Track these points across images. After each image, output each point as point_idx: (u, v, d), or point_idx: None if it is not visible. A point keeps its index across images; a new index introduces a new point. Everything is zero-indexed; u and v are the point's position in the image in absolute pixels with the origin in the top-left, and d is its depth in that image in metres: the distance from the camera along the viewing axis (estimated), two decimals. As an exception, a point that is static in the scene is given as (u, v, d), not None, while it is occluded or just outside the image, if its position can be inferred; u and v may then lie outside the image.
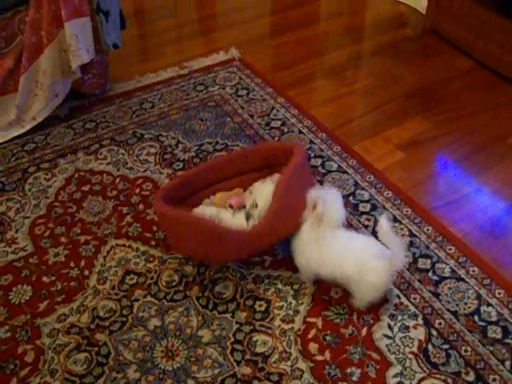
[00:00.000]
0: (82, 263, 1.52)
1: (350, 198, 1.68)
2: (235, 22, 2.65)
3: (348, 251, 1.34)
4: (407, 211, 1.63)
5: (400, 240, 1.35)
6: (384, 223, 1.30)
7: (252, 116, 2.02)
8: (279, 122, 1.98)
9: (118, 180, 1.77)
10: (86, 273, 1.50)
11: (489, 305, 1.39)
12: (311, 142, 1.89)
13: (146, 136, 1.94)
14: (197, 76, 2.24)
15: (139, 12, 2.80)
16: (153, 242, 1.57)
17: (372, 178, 1.74)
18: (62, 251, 1.56)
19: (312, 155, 1.84)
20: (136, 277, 1.48)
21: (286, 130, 1.95)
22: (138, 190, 1.73)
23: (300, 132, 1.94)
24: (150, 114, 2.05)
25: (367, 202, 1.67)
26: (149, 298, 1.43)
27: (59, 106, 1.98)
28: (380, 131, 1.95)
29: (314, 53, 2.41)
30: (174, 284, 1.46)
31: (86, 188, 1.75)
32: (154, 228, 1.61)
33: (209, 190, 1.60)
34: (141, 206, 1.68)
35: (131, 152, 1.88)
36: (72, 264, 1.52)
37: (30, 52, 1.84)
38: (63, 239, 1.59)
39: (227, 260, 1.49)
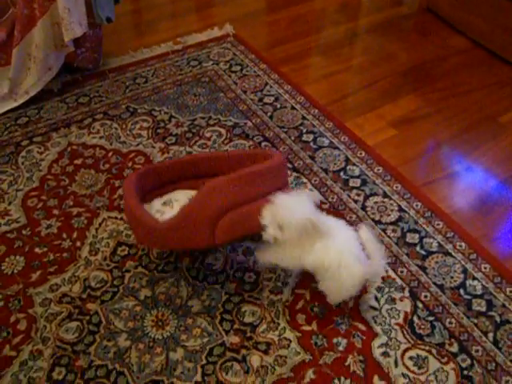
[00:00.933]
0: (74, 235, 1.54)
1: (341, 174, 1.69)
2: (230, -2, 2.64)
3: (332, 243, 1.25)
4: (397, 187, 1.65)
5: (381, 249, 1.30)
6: (364, 233, 1.28)
7: (245, 92, 2.02)
8: (272, 98, 1.99)
9: (110, 154, 1.78)
10: (78, 244, 1.52)
11: (474, 279, 1.42)
12: (303, 117, 1.90)
13: (139, 110, 1.95)
14: (191, 51, 2.24)
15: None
16: (144, 215, 1.58)
17: (363, 154, 1.76)
18: (54, 223, 1.57)
19: (304, 131, 1.85)
20: (127, 248, 1.50)
21: (278, 106, 1.96)
22: (130, 164, 1.74)
23: (292, 108, 1.94)
24: (143, 89, 2.05)
25: (357, 177, 1.68)
26: (140, 269, 1.45)
27: (52, 80, 1.98)
28: (373, 108, 1.96)
29: (309, 30, 2.41)
30: (164, 255, 1.48)
31: (78, 161, 1.76)
32: (146, 201, 1.62)
33: (177, 185, 1.55)
34: (133, 180, 1.69)
35: (124, 126, 1.88)
36: (64, 235, 1.54)
37: (22, 25, 1.83)
38: (56, 211, 1.61)
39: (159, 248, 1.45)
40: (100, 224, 1.56)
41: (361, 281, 1.27)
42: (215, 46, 2.27)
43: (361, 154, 1.76)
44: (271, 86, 2.04)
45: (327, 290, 1.32)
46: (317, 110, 1.92)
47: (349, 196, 1.62)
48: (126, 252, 1.49)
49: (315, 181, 1.67)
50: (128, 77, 2.11)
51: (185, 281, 1.42)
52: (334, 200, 1.61)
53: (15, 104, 1.94)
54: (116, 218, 1.58)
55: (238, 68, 2.14)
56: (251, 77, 2.09)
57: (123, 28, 2.36)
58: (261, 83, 2.06)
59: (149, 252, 1.49)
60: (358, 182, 1.67)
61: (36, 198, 1.64)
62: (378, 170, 1.70)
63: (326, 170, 1.70)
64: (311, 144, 1.79)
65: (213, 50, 2.24)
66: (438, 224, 1.54)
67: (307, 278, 1.41)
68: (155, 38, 2.32)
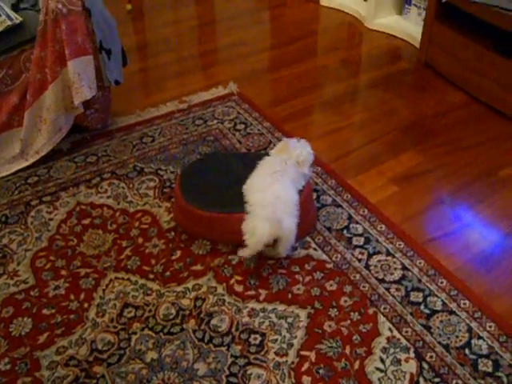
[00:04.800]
0: (82, 296, 1.56)
1: (344, 232, 1.72)
2: (234, 56, 2.73)
3: (268, 188, 1.53)
4: (400, 245, 1.67)
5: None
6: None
7: (249, 150, 2.07)
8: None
9: (117, 213, 1.82)
10: (86, 305, 1.53)
11: (479, 338, 1.42)
12: (307, 175, 1.94)
13: (145, 170, 2.00)
14: (196, 110, 2.31)
15: (142, 47, 2.89)
16: (151, 276, 1.61)
17: (366, 212, 1.79)
18: (62, 284, 1.60)
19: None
20: (134, 310, 1.52)
21: (282, 163, 2.00)
22: (137, 224, 1.78)
23: (296, 165, 1.99)
24: (150, 148, 2.10)
25: (360, 235, 1.71)
26: (146, 331, 1.46)
27: (62, 140, 2.04)
28: (374, 165, 2.00)
29: (311, 87, 2.48)
30: (171, 317, 1.49)
31: (86, 221, 1.80)
32: (153, 261, 1.65)
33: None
34: (140, 240, 1.72)
35: (131, 186, 1.93)
36: (72, 297, 1.56)
37: (34, 88, 1.91)
38: (64, 272, 1.63)
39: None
40: (107, 285, 1.59)
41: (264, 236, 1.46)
42: (220, 105, 2.34)
43: (363, 211, 1.79)
44: (275, 145, 2.08)
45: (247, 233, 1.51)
46: (320, 168, 1.96)
47: (352, 255, 1.64)
48: (132, 314, 1.51)
49: (319, 239, 1.69)
50: (135, 136, 2.17)
51: (191, 343, 1.43)
52: (338, 259, 1.63)
53: (26, 163, 2.00)
54: (123, 278, 1.60)
55: (242, 126, 2.20)
56: (255, 135, 2.15)
57: (131, 88, 2.45)
58: (264, 141, 2.12)
59: (155, 313, 1.50)
60: (361, 241, 1.69)
61: (44, 258, 1.67)
62: (381, 227, 1.73)
63: (329, 229, 1.73)
64: (314, 202, 1.82)
65: (217, 109, 2.32)
66: (442, 282, 1.56)
67: (312, 339, 1.42)
68: (162, 97, 2.40)
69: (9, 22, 1.81)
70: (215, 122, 2.24)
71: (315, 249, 1.67)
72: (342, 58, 2.71)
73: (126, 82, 2.27)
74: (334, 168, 1.98)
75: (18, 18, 1.85)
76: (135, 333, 1.46)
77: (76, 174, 2.00)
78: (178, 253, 1.67)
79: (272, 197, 1.48)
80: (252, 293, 1.55)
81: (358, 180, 1.93)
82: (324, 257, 1.64)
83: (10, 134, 1.97)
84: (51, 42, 1.84)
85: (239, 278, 1.59)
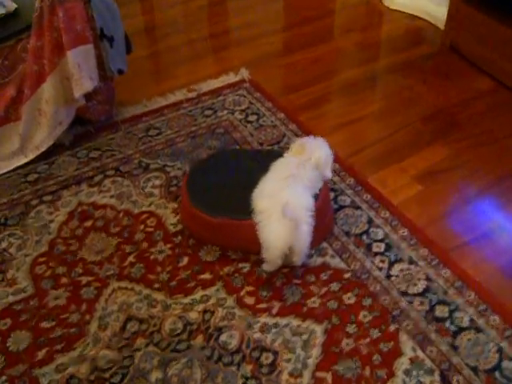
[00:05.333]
0: (83, 307, 1.47)
1: (364, 237, 1.60)
2: (246, 38, 2.57)
3: (280, 192, 1.41)
4: (424, 252, 1.55)
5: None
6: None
7: (262, 144, 1.94)
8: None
9: (121, 215, 1.71)
10: (87, 318, 1.44)
11: (511, 359, 1.30)
12: (323, 173, 1.81)
13: (151, 166, 1.88)
14: (205, 99, 2.18)
15: (150, 29, 2.74)
16: (156, 285, 1.51)
17: (387, 215, 1.66)
18: (62, 293, 1.50)
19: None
20: (138, 323, 1.42)
21: (296, 159, 1.87)
22: (142, 227, 1.67)
23: (311, 162, 1.86)
24: (156, 142, 1.98)
25: (381, 241, 1.59)
26: (151, 348, 1.37)
27: (64, 133, 1.93)
28: (395, 160, 1.87)
29: (327, 72, 2.33)
30: (177, 332, 1.40)
31: (88, 223, 1.70)
32: (158, 269, 1.55)
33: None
34: (144, 244, 1.61)
35: (136, 183, 1.82)
36: (73, 308, 1.47)
37: (32, 80, 1.78)
38: (64, 280, 1.54)
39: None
40: (110, 295, 1.49)
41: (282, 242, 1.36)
42: (230, 93, 2.20)
43: (384, 214, 1.66)
44: (289, 138, 1.96)
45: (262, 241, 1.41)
46: (337, 165, 1.83)
47: (372, 263, 1.53)
48: (136, 328, 1.41)
49: (336, 245, 1.58)
50: (141, 128, 2.05)
51: (198, 361, 1.33)
52: (357, 267, 1.51)
53: (26, 160, 1.90)
54: (126, 288, 1.51)
55: (255, 118, 2.07)
56: (268, 127, 2.02)
57: (137, 75, 2.31)
58: (278, 135, 1.98)
59: (160, 328, 1.41)
60: (381, 247, 1.57)
61: (44, 264, 1.58)
62: (403, 232, 1.60)
63: (347, 233, 1.61)
64: (332, 203, 1.70)
65: (228, 98, 2.18)
66: (470, 295, 1.44)
67: (328, 358, 1.32)
68: (169, 85, 2.26)
69: (2, 10, 1.68)
70: (225, 112, 2.11)
71: (332, 256, 1.55)
72: (360, 40, 2.55)
73: (133, 69, 2.14)
74: (352, 164, 1.85)
75: (12, 5, 1.72)
76: (139, 349, 1.36)
77: (78, 170, 1.89)
78: (186, 259, 1.57)
79: (281, 204, 1.36)
80: (264, 306, 1.44)
81: (378, 178, 1.80)
82: (342, 265, 1.52)
83: (7, 129, 1.86)
84: (48, 31, 1.71)
85: (250, 288, 1.48)
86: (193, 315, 1.43)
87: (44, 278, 1.54)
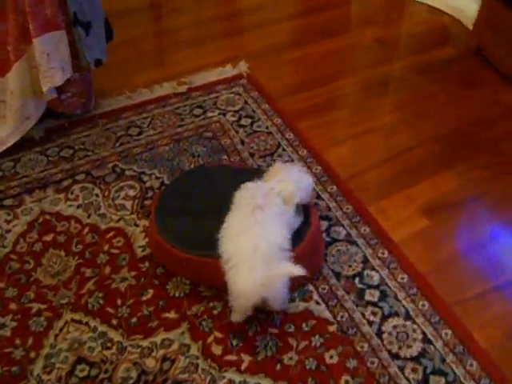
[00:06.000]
0: (30, 341, 1.29)
1: (356, 281, 1.39)
2: (253, 25, 2.33)
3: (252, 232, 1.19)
4: (423, 305, 1.34)
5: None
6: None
7: (252, 155, 1.72)
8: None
9: (86, 230, 1.52)
10: (32, 355, 1.26)
11: None
12: (319, 196, 1.59)
13: (126, 172, 1.68)
14: (196, 96, 1.95)
15: (156, 6, 2.49)
16: (114, 321, 1.32)
17: (385, 254, 1.45)
18: (9, 322, 1.33)
19: (318, 214, 1.54)
20: (88, 367, 1.24)
21: (290, 176, 1.66)
22: (107, 247, 1.48)
23: (306, 181, 1.64)
24: (135, 143, 1.77)
25: (376, 287, 1.38)
26: (99, 400, 1.19)
27: (34, 126, 1.73)
28: (402, 186, 1.64)
29: (336, 73, 2.08)
30: (130, 382, 1.22)
31: (48, 238, 1.51)
32: (118, 301, 1.36)
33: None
34: (107, 269, 1.42)
35: (107, 193, 1.61)
36: (18, 341, 1.29)
37: (-5, 69, 1.57)
38: (13, 306, 1.36)
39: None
40: (61, 329, 1.31)
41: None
42: (224, 90, 1.97)
43: (383, 253, 1.45)
44: (284, 149, 1.73)
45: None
46: (335, 187, 1.61)
47: (363, 315, 1.32)
48: (85, 373, 1.23)
49: (323, 289, 1.37)
50: (121, 125, 1.84)
51: (150, 422, 1.16)
52: (344, 319, 1.31)
53: (-11, 155, 1.70)
54: (80, 321, 1.32)
55: (248, 121, 1.84)
56: (262, 135, 1.79)
57: (125, 59, 2.09)
58: (272, 144, 1.76)
59: (112, 375, 1.23)
60: (375, 295, 1.36)
61: (-6, 284, 1.40)
62: (403, 278, 1.39)
63: (338, 275, 1.40)
64: (324, 235, 1.49)
65: (221, 95, 1.95)
66: (471, 365, 1.24)
67: None
68: (158, 74, 2.04)
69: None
70: (217, 112, 1.88)
71: (318, 302, 1.35)
72: (378, 35, 2.28)
73: (120, 52, 1.94)
74: (352, 187, 1.62)
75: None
76: (86, 401, 1.19)
77: (46, 171, 1.69)
78: (150, 292, 1.38)
79: (249, 248, 1.16)
80: (233, 358, 1.25)
81: (380, 206, 1.58)
82: (327, 314, 1.32)
83: (-32, 121, 1.65)
84: (12, 14, 1.49)
85: (220, 334, 1.29)
86: (150, 363, 1.25)
87: (-11, 302, 1.37)
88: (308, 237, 1.31)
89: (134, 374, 1.23)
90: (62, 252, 1.47)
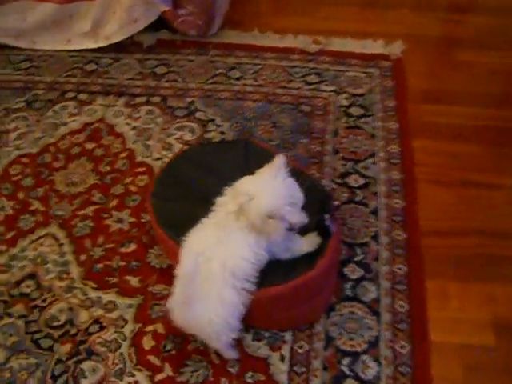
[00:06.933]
0: (10, 235, 1.28)
1: (345, 361, 1.05)
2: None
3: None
4: None
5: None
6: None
7: (337, 152, 1.39)
8: (362, 181, 1.32)
9: (123, 155, 1.44)
10: (3, 248, 1.25)
11: None
12: (376, 236, 1.23)
13: (197, 114, 1.52)
14: (322, 61, 1.65)
15: None
16: (83, 257, 1.22)
17: (405, 351, 1.06)
18: (8, 208, 1.33)
19: (340, 245, 1.19)
20: (34, 287, 1.18)
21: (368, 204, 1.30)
22: (129, 180, 1.37)
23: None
24: (226, 87, 1.58)
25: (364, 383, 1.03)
26: (18, 323, 1.12)
27: (146, 34, 1.67)
28: (488, 277, 1.18)
29: (498, 97, 1.56)
30: (54, 323, 1.12)
31: (90, 146, 1.47)
32: (100, 239, 1.25)
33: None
34: (113, 202, 1.33)
35: (166, 126, 1.48)
36: (2, 228, 1.29)
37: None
38: (21, 195, 1.36)
39: None
40: (38, 238, 1.27)
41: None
42: (358, 66, 1.62)
43: (401, 349, 1.07)
44: (374, 163, 1.37)
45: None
46: (402, 235, 1.22)
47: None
48: (28, 290, 1.18)
49: (300, 347, 1.07)
50: (227, 63, 1.65)
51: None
52: None
53: (93, 46, 1.71)
54: (57, 240, 1.26)
55: (359, 112, 1.49)
56: (363, 134, 1.44)
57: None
58: (366, 150, 1.40)
59: (44, 309, 1.14)
60: (353, 390, 1.01)
61: (22, 166, 1.42)
62: (403, 390, 1.01)
63: (329, 340, 1.07)
64: (341, 284, 1.15)
65: (350, 71, 1.61)
66: None
67: None
68: (298, 23, 1.79)
69: None
70: (331, 88, 1.56)
71: (282, 358, 1.06)
72: None
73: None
74: (424, 245, 1.22)
75: None
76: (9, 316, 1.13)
77: (131, 80, 1.63)
78: (131, 247, 1.25)
79: (208, 271, 0.91)
80: (155, 361, 1.06)
81: (444, 287, 1.16)
82: (282, 378, 1.03)
83: (81, 6, 1.65)
84: None
85: (161, 330, 1.11)
86: (83, 317, 1.13)
87: (6, 182, 1.37)
88: (309, 275, 0.98)
89: (62, 318, 1.13)
90: (90, 165, 1.41)
